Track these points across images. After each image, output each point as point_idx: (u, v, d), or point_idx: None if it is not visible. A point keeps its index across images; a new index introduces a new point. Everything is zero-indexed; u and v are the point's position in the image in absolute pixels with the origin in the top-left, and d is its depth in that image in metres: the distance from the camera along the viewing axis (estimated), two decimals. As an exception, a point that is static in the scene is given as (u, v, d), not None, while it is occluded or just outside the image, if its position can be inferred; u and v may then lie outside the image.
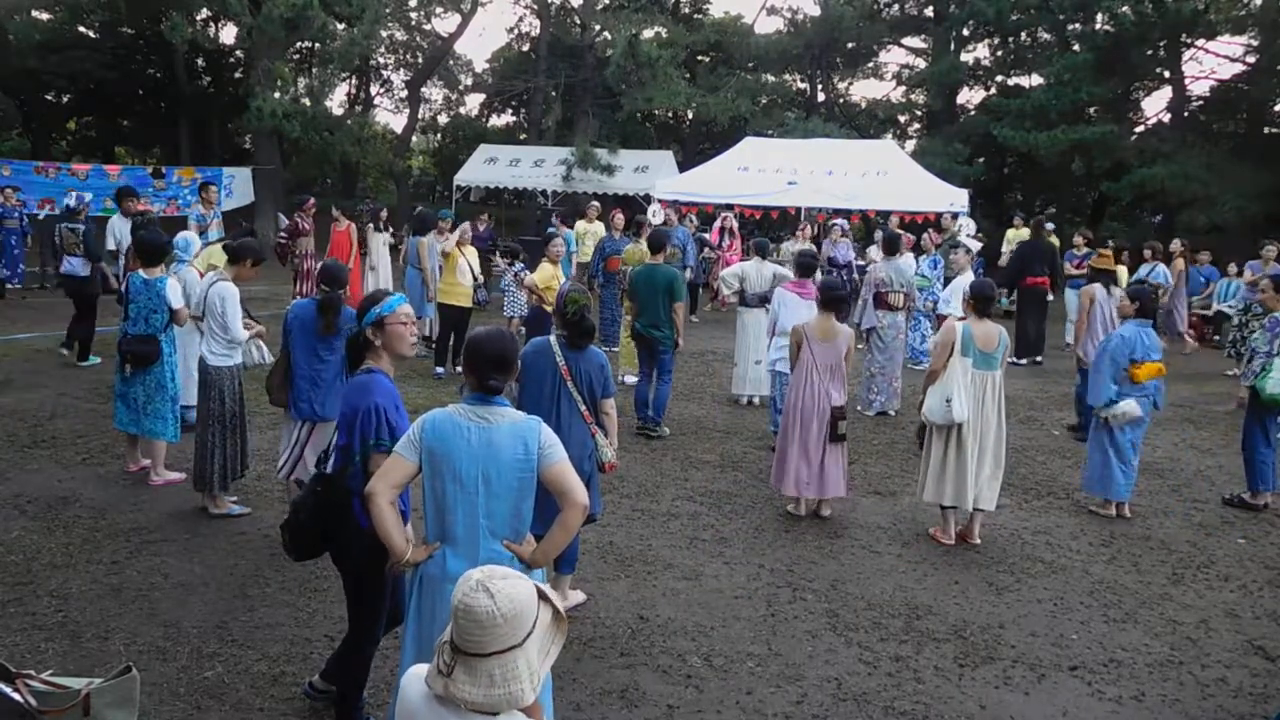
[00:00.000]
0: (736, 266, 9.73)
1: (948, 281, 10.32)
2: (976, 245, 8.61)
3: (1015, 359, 11.64)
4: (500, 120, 34.14)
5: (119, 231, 9.90)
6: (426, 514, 3.01)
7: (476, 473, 2.90)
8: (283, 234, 11.91)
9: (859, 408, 9.13)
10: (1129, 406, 6.31)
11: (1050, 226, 14.08)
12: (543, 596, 1.95)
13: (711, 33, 26.53)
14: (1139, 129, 24.48)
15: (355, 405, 3.33)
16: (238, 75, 29.06)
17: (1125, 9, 19.99)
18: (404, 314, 3.49)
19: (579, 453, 4.48)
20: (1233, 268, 14.16)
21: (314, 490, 3.51)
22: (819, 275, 8.30)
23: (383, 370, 3.46)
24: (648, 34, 24.04)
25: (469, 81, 33.19)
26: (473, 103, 34.35)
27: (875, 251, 13.91)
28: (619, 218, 11.94)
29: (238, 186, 19.96)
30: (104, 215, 11.34)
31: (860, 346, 9.12)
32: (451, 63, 30.88)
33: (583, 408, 4.58)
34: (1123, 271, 11.15)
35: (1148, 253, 12.83)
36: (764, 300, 8.87)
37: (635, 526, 5.95)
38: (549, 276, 8.46)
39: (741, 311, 9.25)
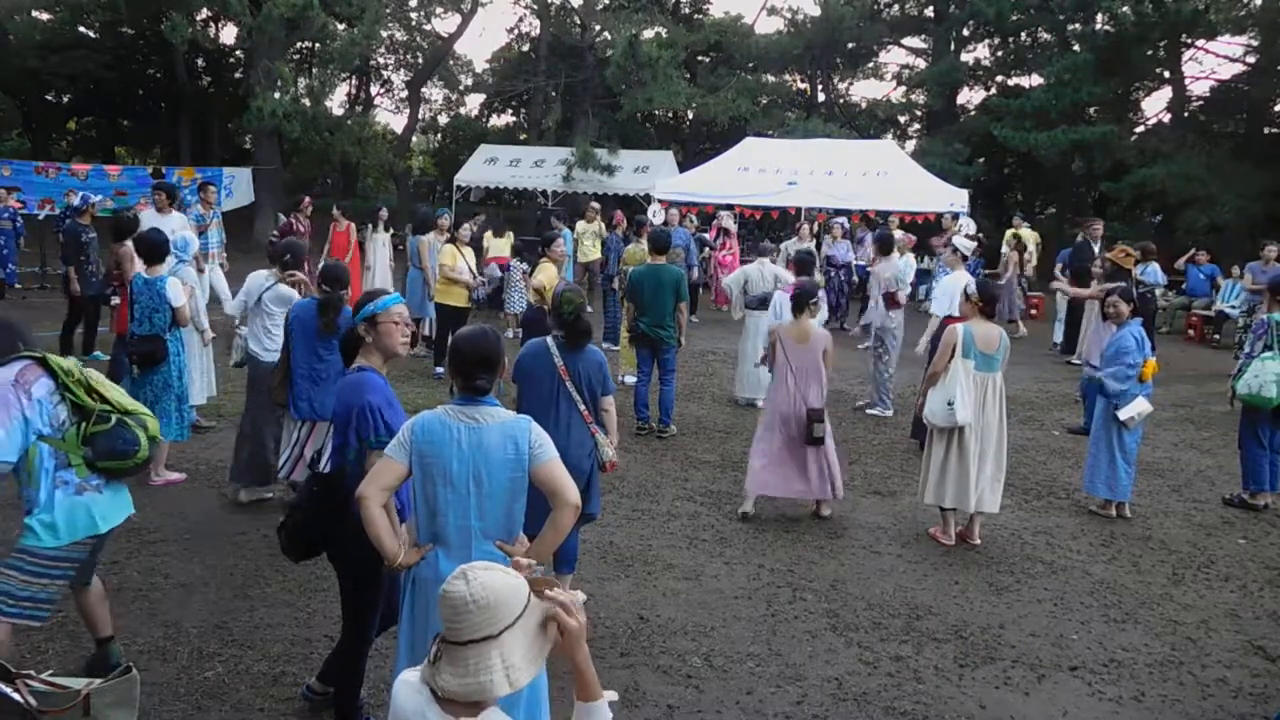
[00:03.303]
0: (739, 271, 9.74)
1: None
2: (970, 245, 8.55)
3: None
4: (500, 120, 34.12)
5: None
6: (418, 516, 3.01)
7: (467, 474, 2.89)
8: (275, 234, 11.93)
9: (873, 409, 9.16)
10: (1144, 405, 6.32)
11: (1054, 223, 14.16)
12: (538, 595, 1.95)
13: (711, 33, 26.51)
14: (1139, 129, 24.48)
15: (349, 404, 3.33)
16: (238, 75, 29.04)
17: (1125, 9, 19.98)
18: (397, 313, 3.49)
19: (579, 452, 4.48)
20: (1236, 269, 14.17)
21: (310, 490, 3.51)
22: (818, 275, 8.31)
23: (374, 368, 3.46)
24: (648, 34, 24.02)
25: (469, 81, 33.17)
26: (473, 103, 34.36)
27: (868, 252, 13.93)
28: (624, 220, 11.98)
29: (238, 186, 19.95)
30: (104, 216, 11.34)
31: (873, 346, 9.10)
32: (451, 63, 30.87)
33: (582, 408, 4.57)
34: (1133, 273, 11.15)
35: (1140, 252, 12.88)
36: (764, 302, 8.89)
37: (635, 526, 5.95)
38: (552, 277, 8.48)
39: (747, 314, 9.27)
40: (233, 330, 6.33)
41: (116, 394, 3.60)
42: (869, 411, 9.15)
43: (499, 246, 13.12)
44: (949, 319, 7.45)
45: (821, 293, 7.76)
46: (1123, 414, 6.34)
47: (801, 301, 6.22)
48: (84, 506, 3.46)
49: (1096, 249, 11.97)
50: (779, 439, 6.12)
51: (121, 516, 3.62)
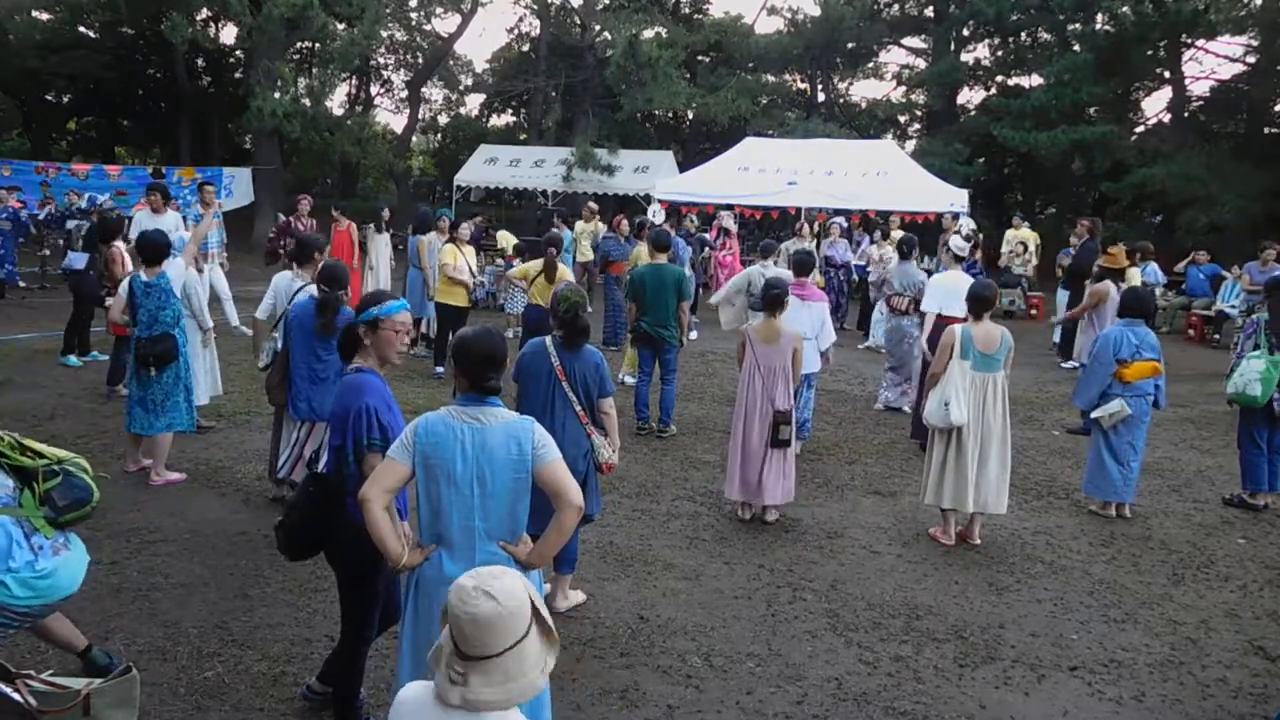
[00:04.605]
0: (742, 274, 9.73)
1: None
2: (965, 247, 8.56)
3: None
4: (500, 120, 34.13)
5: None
6: (421, 517, 3.00)
7: (471, 474, 2.89)
8: (272, 233, 11.93)
9: (874, 405, 9.39)
10: (1116, 406, 6.31)
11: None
12: (535, 614, 1.97)
13: (711, 33, 26.52)
14: (1139, 129, 24.49)
15: (347, 405, 3.33)
16: (238, 75, 29.06)
17: (1125, 9, 19.99)
18: (400, 321, 3.47)
19: (574, 453, 4.46)
20: (1236, 269, 14.18)
21: (307, 490, 3.51)
22: (816, 275, 8.31)
23: (372, 369, 3.46)
24: (648, 34, 24.03)
25: (469, 81, 33.19)
26: (473, 103, 34.37)
27: (877, 251, 13.92)
28: (625, 224, 11.97)
29: (238, 187, 19.95)
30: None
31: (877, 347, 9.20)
32: (451, 63, 30.89)
33: (578, 408, 4.55)
34: (1134, 273, 11.16)
35: (1137, 254, 12.93)
36: None
37: (635, 526, 5.95)
38: (567, 278, 8.51)
39: (752, 315, 9.26)
40: (263, 330, 6.25)
41: (42, 446, 3.43)
42: (876, 406, 9.35)
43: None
44: (941, 318, 7.44)
45: (825, 307, 7.76)
46: (1095, 413, 6.39)
47: (775, 302, 6.12)
48: (66, 567, 3.31)
49: (1075, 246, 12.12)
50: (745, 440, 6.04)
51: (85, 568, 3.46)
